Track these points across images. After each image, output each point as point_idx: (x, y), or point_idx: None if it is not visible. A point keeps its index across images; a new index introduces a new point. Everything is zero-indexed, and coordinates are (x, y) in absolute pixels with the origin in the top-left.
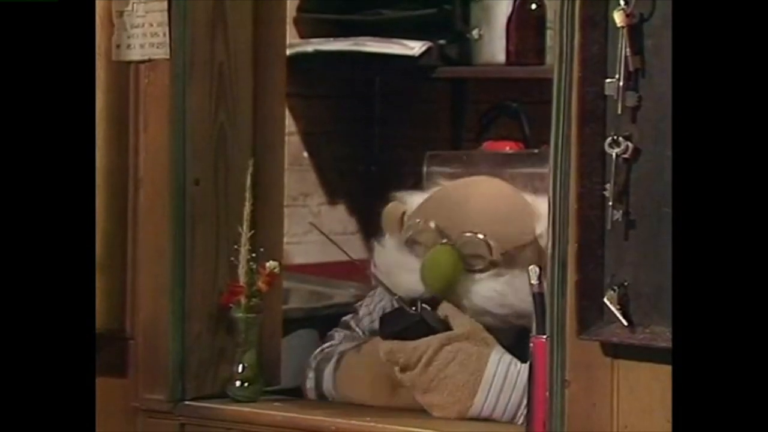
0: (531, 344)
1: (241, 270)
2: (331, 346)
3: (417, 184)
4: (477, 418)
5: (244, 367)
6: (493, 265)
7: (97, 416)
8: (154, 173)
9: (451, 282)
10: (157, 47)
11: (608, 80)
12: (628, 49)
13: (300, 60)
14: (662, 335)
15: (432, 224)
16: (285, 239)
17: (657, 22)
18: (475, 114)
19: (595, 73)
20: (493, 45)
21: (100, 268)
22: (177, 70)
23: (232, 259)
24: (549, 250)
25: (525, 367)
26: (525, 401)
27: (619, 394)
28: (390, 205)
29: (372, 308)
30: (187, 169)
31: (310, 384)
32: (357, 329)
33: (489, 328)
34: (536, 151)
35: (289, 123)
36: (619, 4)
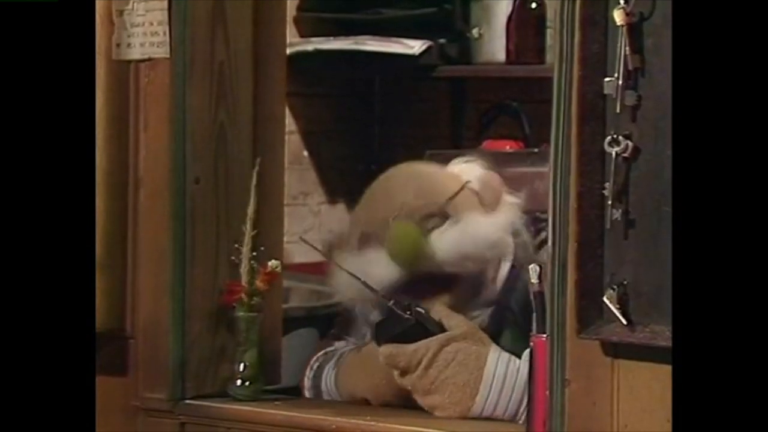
0: (531, 343)
1: (244, 269)
2: (334, 349)
3: None
4: (479, 418)
5: (244, 366)
6: (445, 217)
7: (97, 415)
8: (155, 172)
9: (418, 249)
10: (158, 46)
11: (608, 79)
12: (627, 48)
13: (300, 59)
14: (662, 334)
15: (379, 212)
16: (285, 238)
17: (657, 20)
18: (476, 113)
19: (594, 72)
20: (493, 44)
21: (100, 268)
22: (177, 69)
23: (233, 258)
24: (549, 249)
25: (524, 363)
26: (526, 399)
27: (619, 393)
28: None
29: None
30: (187, 168)
31: (308, 383)
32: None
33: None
34: (536, 150)
35: (290, 122)
36: (619, 3)
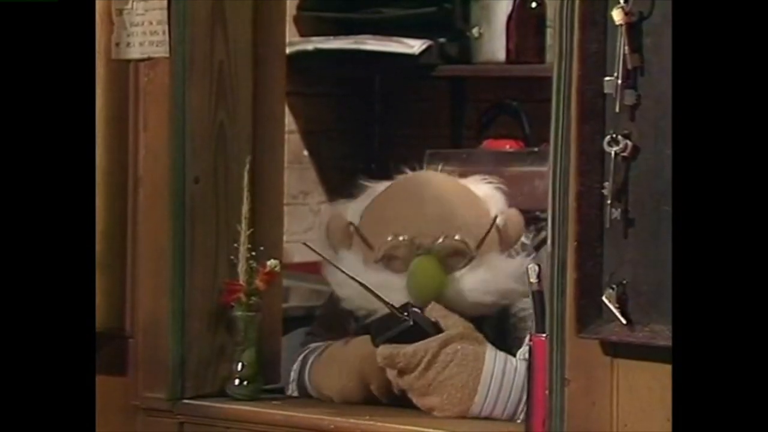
0: (530, 343)
1: (241, 268)
2: (305, 351)
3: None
4: (477, 418)
5: (243, 366)
6: (470, 259)
7: (97, 415)
8: (154, 172)
9: (439, 289)
10: (157, 45)
11: (607, 78)
12: (627, 48)
13: (300, 58)
14: (662, 334)
15: (402, 238)
16: (285, 237)
17: (656, 20)
18: (475, 112)
19: (594, 72)
20: (493, 43)
21: (100, 267)
22: (177, 69)
23: (232, 257)
24: (548, 249)
25: (521, 362)
26: (524, 398)
27: (619, 393)
28: (331, 218)
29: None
30: (186, 167)
31: (293, 378)
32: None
33: (483, 318)
34: (536, 149)
35: (289, 121)
36: (618, 2)
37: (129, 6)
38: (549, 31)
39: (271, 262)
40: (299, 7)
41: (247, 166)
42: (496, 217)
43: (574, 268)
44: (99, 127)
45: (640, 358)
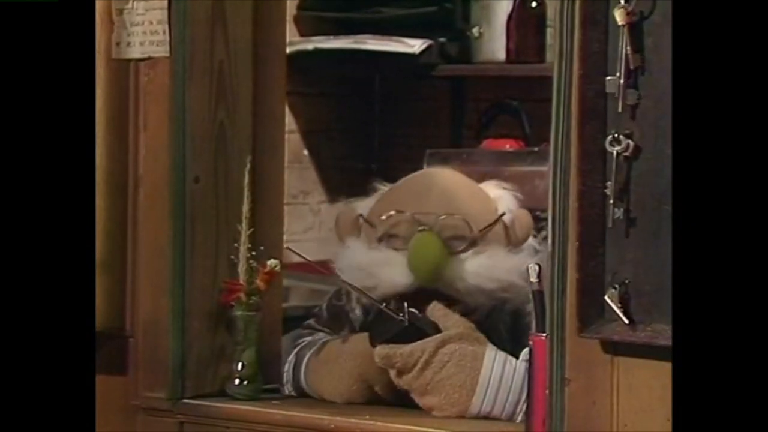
0: (530, 342)
1: (241, 268)
2: (299, 346)
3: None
4: (476, 417)
5: (243, 366)
6: (472, 243)
7: (97, 414)
8: (154, 171)
9: (438, 267)
10: (157, 45)
11: (609, 78)
12: (628, 47)
13: (300, 58)
14: (663, 333)
15: (407, 213)
16: (285, 237)
17: (657, 19)
18: (475, 112)
19: (595, 71)
20: (494, 43)
21: (100, 267)
22: (177, 68)
23: (232, 257)
24: (549, 249)
25: (520, 363)
26: (523, 398)
27: (619, 393)
28: (341, 210)
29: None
30: (187, 167)
31: (287, 379)
32: (322, 330)
33: (498, 317)
34: (536, 149)
35: (289, 121)
36: (620, 2)
37: (129, 6)
38: (549, 31)
39: (271, 262)
40: (299, 7)
41: (248, 166)
42: (503, 214)
43: (576, 268)
44: (99, 127)
45: (641, 357)
